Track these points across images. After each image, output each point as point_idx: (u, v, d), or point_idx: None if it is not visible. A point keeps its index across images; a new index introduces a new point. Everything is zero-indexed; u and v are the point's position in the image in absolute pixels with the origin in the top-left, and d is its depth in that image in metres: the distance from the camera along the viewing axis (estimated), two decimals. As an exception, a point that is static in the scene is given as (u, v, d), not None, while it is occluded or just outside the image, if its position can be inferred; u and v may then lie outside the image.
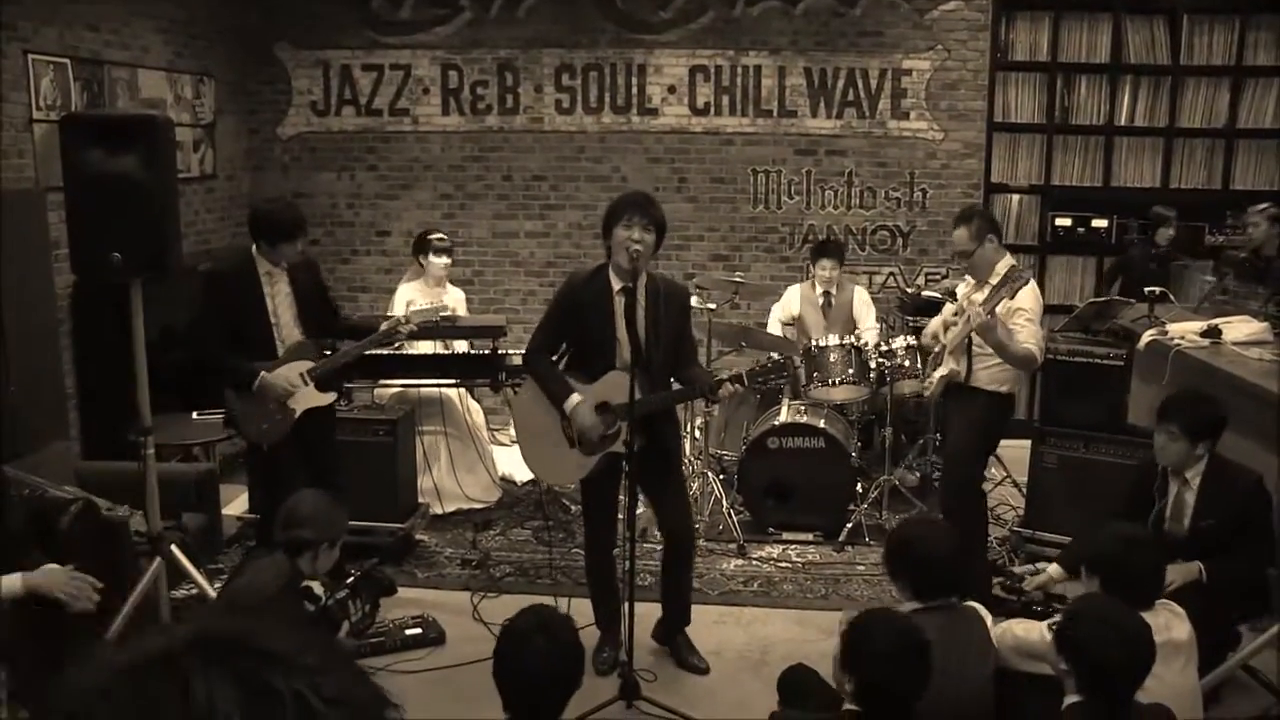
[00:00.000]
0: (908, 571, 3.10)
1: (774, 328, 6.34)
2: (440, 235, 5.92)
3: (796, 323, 6.33)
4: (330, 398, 4.59)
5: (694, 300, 5.98)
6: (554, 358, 4.14)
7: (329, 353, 4.63)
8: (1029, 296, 4.42)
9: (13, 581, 3.03)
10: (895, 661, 2.48)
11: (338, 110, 7.70)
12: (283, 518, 3.28)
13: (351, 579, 3.16)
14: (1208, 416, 3.85)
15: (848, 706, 2.67)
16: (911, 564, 3.07)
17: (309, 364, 4.47)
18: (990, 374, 4.54)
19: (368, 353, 4.76)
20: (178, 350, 5.46)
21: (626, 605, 3.91)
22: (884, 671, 2.46)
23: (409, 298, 5.87)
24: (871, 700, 2.51)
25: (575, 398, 3.97)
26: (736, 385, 3.97)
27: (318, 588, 3.10)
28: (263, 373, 4.32)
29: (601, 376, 4.00)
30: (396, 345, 5.39)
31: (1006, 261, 4.50)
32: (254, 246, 4.41)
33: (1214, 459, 3.87)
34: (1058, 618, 3.13)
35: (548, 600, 4.00)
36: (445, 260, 5.85)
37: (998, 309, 4.37)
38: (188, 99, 6.88)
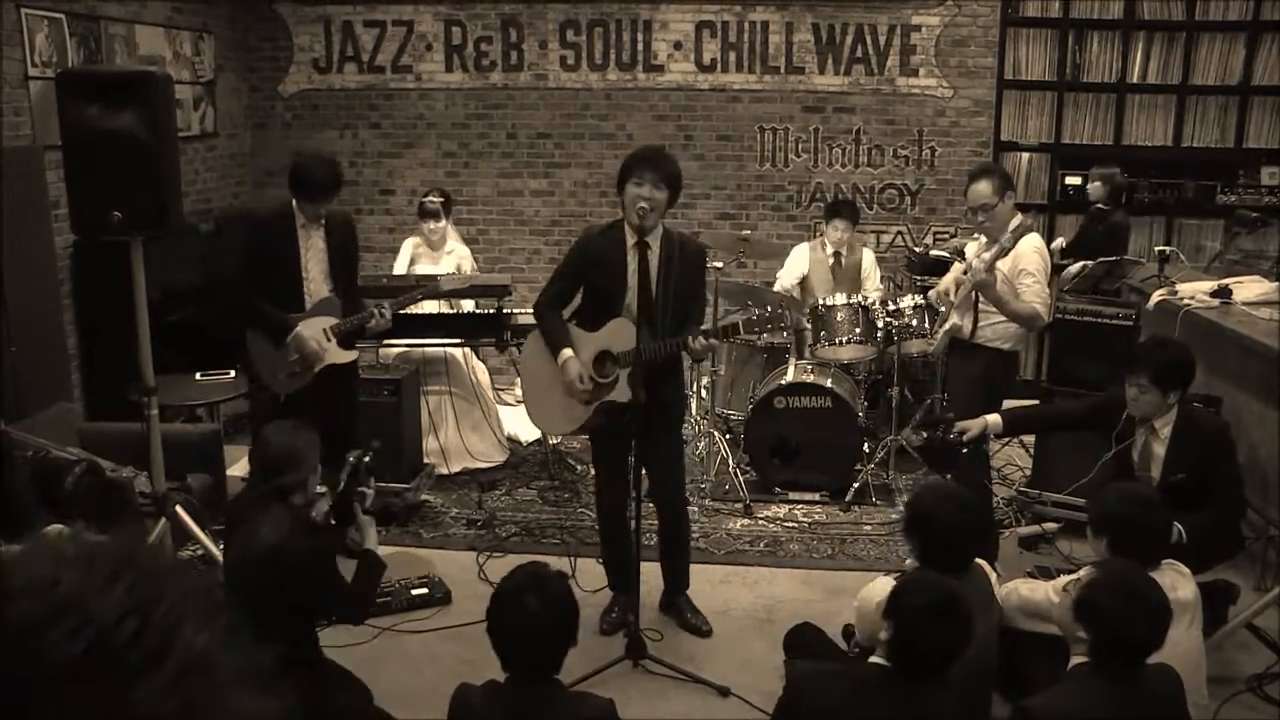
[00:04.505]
0: (918, 541, 3.07)
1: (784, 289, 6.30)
2: (431, 197, 5.88)
3: (803, 283, 6.29)
4: (352, 355, 4.63)
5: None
6: (565, 310, 4.14)
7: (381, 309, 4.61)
8: (1034, 256, 4.37)
9: None
10: (935, 618, 2.45)
11: (340, 67, 7.61)
12: (259, 466, 3.24)
13: (354, 466, 3.23)
14: (1177, 364, 3.75)
15: (873, 659, 2.67)
16: (922, 536, 3.04)
17: (332, 320, 4.49)
18: (994, 331, 4.51)
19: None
20: (214, 293, 5.64)
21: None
22: (922, 627, 2.44)
23: (411, 253, 5.89)
24: (906, 654, 2.50)
25: (566, 352, 3.96)
26: (710, 340, 3.92)
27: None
28: (298, 328, 4.38)
29: (605, 325, 3.97)
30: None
31: (1018, 220, 4.46)
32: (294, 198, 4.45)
33: (1183, 409, 3.78)
34: (1064, 579, 3.12)
35: (553, 560, 4.02)
36: (432, 224, 5.81)
37: (1003, 264, 4.35)
38: (187, 56, 6.80)
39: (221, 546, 4.26)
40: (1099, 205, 6.63)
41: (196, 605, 0.69)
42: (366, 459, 3.35)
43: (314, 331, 4.46)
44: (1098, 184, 6.62)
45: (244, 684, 0.69)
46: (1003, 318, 4.45)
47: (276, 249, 4.41)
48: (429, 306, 5.65)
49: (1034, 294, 4.35)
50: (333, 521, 3.22)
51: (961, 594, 2.53)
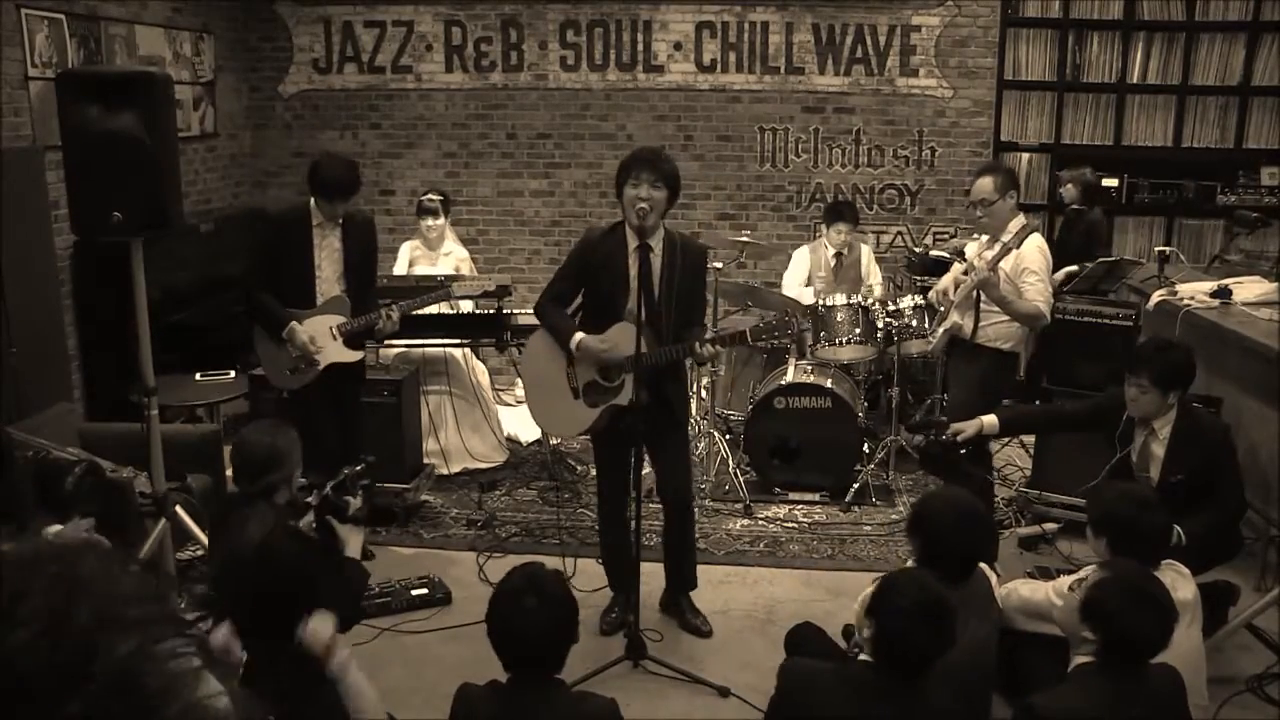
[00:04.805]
0: (920, 544, 3.06)
1: (792, 293, 6.28)
2: (430, 195, 5.89)
3: (806, 284, 6.30)
4: (357, 355, 4.66)
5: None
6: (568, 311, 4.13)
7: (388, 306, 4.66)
8: (1037, 255, 4.38)
9: None
10: (917, 619, 2.42)
11: (340, 68, 7.61)
12: (241, 468, 3.22)
13: (342, 477, 3.23)
14: (1178, 365, 3.74)
15: (863, 657, 2.67)
16: (925, 540, 3.03)
17: (340, 319, 4.52)
18: (995, 330, 4.51)
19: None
20: (220, 290, 5.76)
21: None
22: (903, 627, 2.42)
23: (409, 256, 5.89)
24: (887, 653, 2.48)
25: (578, 335, 3.95)
26: (717, 346, 3.96)
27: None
28: (293, 323, 4.42)
29: (609, 329, 3.96)
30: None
31: (1019, 221, 4.47)
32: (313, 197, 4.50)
33: (1183, 409, 3.77)
34: (1065, 580, 3.12)
35: (553, 560, 4.02)
36: (431, 221, 5.82)
37: (1005, 264, 4.35)
38: (187, 56, 6.80)
39: (194, 551, 4.28)
40: (1073, 207, 6.63)
41: (117, 612, 0.67)
42: (359, 469, 3.35)
43: (317, 329, 4.48)
44: (1069, 186, 6.63)
45: (184, 681, 0.67)
46: (1004, 318, 4.45)
47: (289, 247, 4.46)
48: (429, 307, 5.65)
49: (1037, 292, 4.36)
50: (314, 525, 3.22)
51: (946, 596, 2.50)
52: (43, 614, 0.64)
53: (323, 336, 4.51)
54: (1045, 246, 4.49)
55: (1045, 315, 4.43)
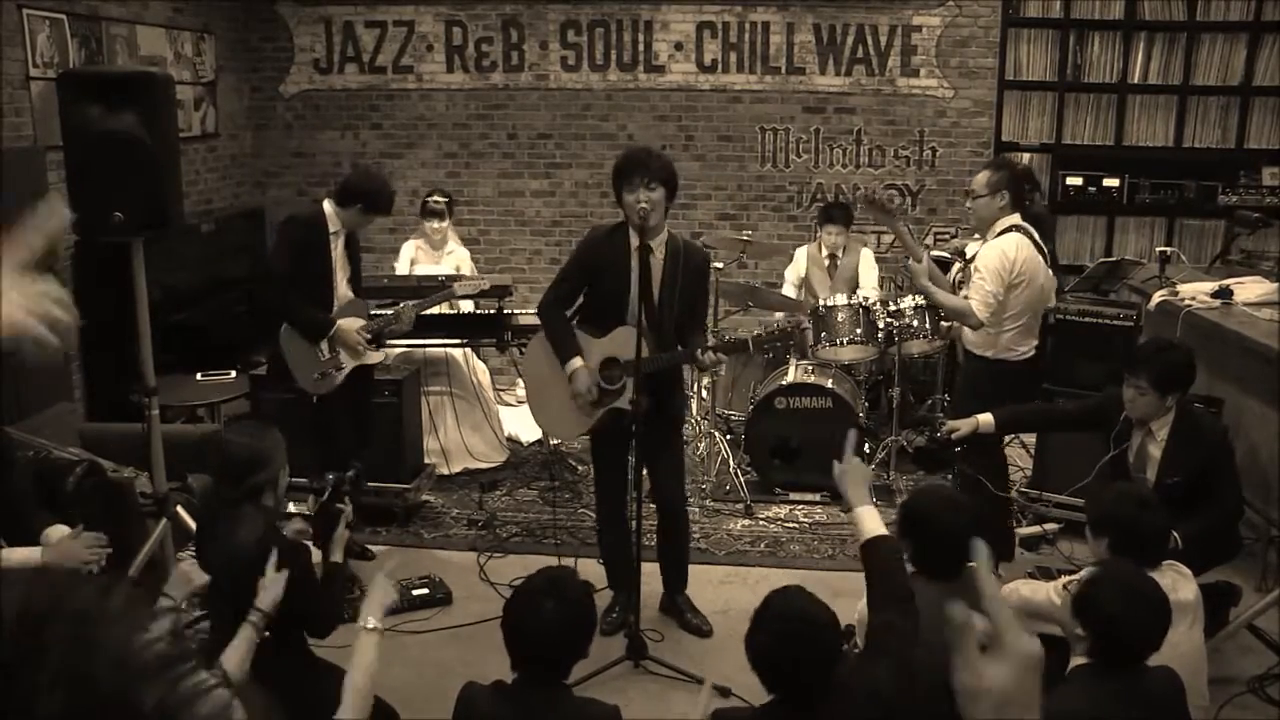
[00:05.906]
0: (915, 545, 3.06)
1: (788, 291, 6.32)
2: (435, 198, 5.90)
3: (803, 283, 6.31)
4: (380, 355, 4.75)
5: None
6: (569, 311, 4.14)
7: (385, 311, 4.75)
8: (993, 254, 4.30)
9: (30, 555, 3.03)
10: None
11: (340, 68, 7.61)
12: (226, 471, 3.19)
13: (335, 486, 3.23)
14: (1178, 367, 3.71)
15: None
16: (920, 540, 3.03)
17: (361, 321, 4.58)
18: (968, 337, 4.48)
19: (375, 313, 4.81)
20: (259, 290, 5.72)
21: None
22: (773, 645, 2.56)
23: (411, 255, 5.90)
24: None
25: (576, 361, 3.97)
26: (720, 354, 3.99)
27: (294, 507, 3.16)
28: (339, 322, 4.47)
29: (611, 331, 3.98)
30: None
31: (1007, 222, 4.39)
32: (325, 202, 4.52)
33: (1181, 411, 3.73)
34: (1065, 580, 3.12)
35: (553, 560, 4.02)
36: (436, 223, 5.84)
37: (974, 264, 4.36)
38: (188, 56, 6.80)
39: (193, 554, 4.26)
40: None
41: (140, 661, 0.63)
42: (349, 474, 3.35)
43: (356, 331, 4.57)
44: None
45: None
46: None
47: (314, 251, 4.49)
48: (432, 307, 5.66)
49: (974, 289, 4.29)
50: (308, 540, 3.21)
51: (818, 611, 2.62)
52: (63, 677, 0.60)
53: (365, 341, 4.60)
54: (1011, 249, 4.31)
55: (973, 314, 4.28)
